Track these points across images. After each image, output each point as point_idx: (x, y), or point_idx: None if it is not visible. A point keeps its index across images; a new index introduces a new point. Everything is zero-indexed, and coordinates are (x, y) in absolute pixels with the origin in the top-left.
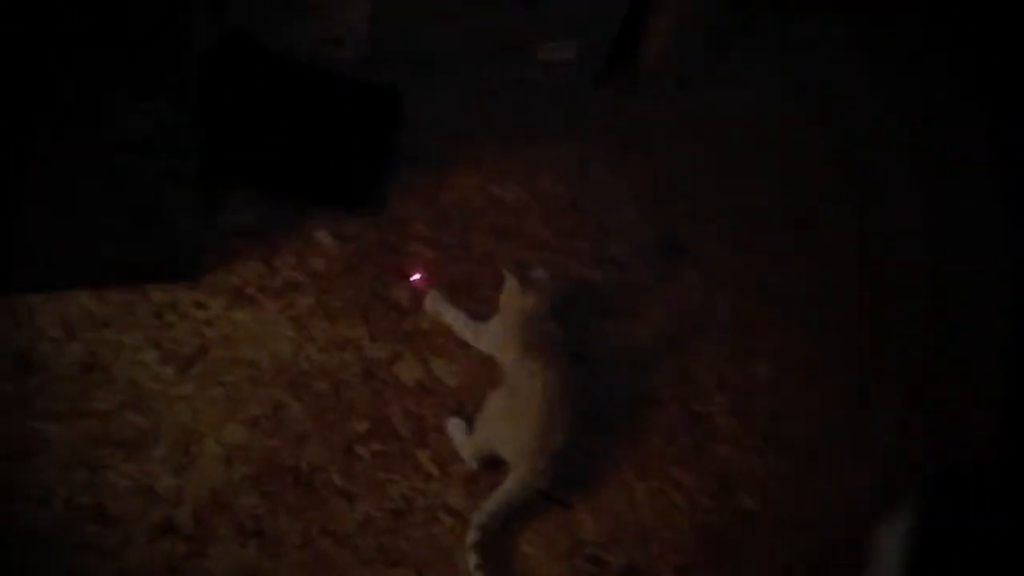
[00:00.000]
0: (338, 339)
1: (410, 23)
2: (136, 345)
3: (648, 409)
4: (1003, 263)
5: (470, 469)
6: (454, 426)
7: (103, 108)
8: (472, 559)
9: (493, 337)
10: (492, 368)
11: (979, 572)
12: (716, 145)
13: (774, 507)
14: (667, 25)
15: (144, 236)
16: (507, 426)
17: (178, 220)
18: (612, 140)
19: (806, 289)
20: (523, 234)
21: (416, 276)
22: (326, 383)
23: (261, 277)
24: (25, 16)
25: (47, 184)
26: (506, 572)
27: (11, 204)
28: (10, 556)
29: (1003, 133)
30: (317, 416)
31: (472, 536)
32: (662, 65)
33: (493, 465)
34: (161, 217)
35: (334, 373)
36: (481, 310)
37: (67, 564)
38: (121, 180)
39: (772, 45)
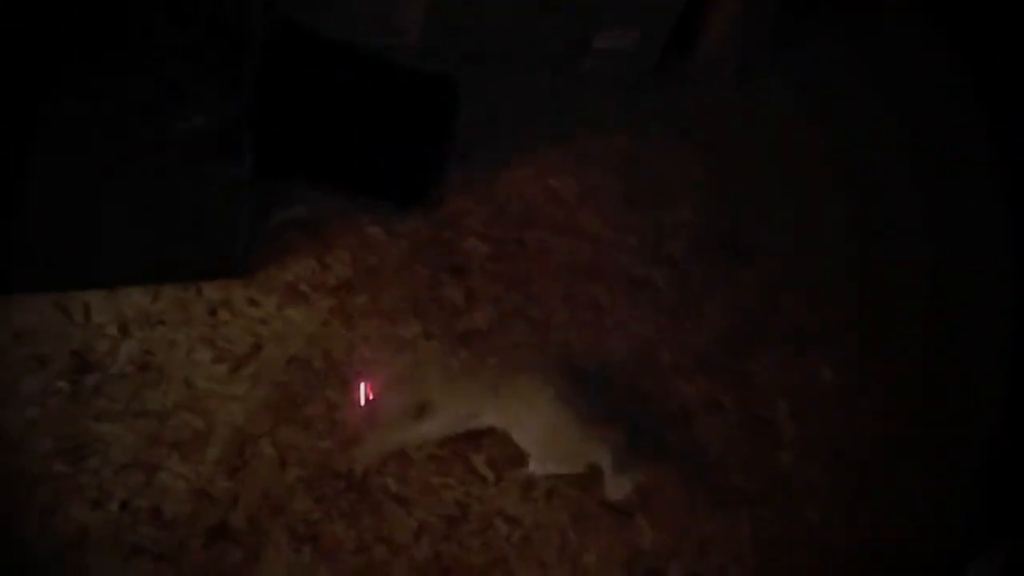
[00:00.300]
0: (392, 338)
1: (465, 11)
2: (190, 343)
3: (707, 415)
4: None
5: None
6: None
7: (159, 105)
8: None
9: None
10: None
11: None
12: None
13: (838, 520)
14: (728, 11)
15: (199, 233)
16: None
17: (233, 217)
18: (669, 132)
19: (871, 296)
20: (578, 229)
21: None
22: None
23: (314, 274)
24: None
25: (100, 181)
26: None
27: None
28: (66, 558)
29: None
30: (370, 417)
31: None
32: (722, 53)
33: None
34: (216, 214)
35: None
36: (532, 307)
37: (122, 567)
38: (177, 177)
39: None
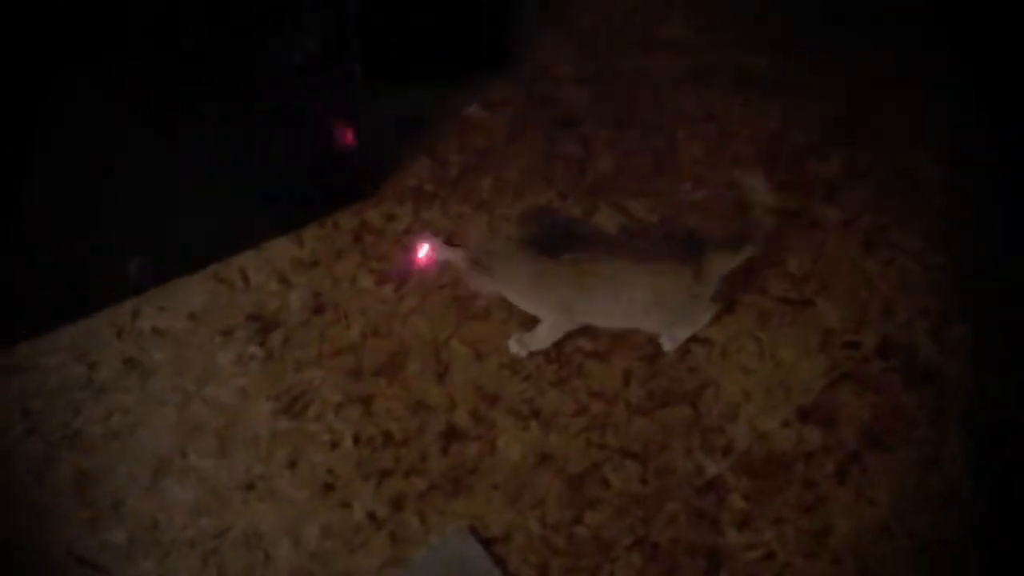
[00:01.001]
0: (530, 209)
1: None
2: (350, 275)
3: (852, 184)
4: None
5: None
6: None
7: (271, 38)
8: None
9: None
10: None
11: None
12: None
13: (1010, 241)
14: None
15: (326, 160)
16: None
17: (352, 141)
18: None
19: None
20: (669, 40)
21: (422, 252)
22: None
23: (434, 171)
24: None
25: (232, 132)
26: None
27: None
28: (325, 499)
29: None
30: None
31: None
32: None
33: None
34: (336, 137)
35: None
36: (652, 137)
37: (378, 493)
38: (299, 104)
39: None
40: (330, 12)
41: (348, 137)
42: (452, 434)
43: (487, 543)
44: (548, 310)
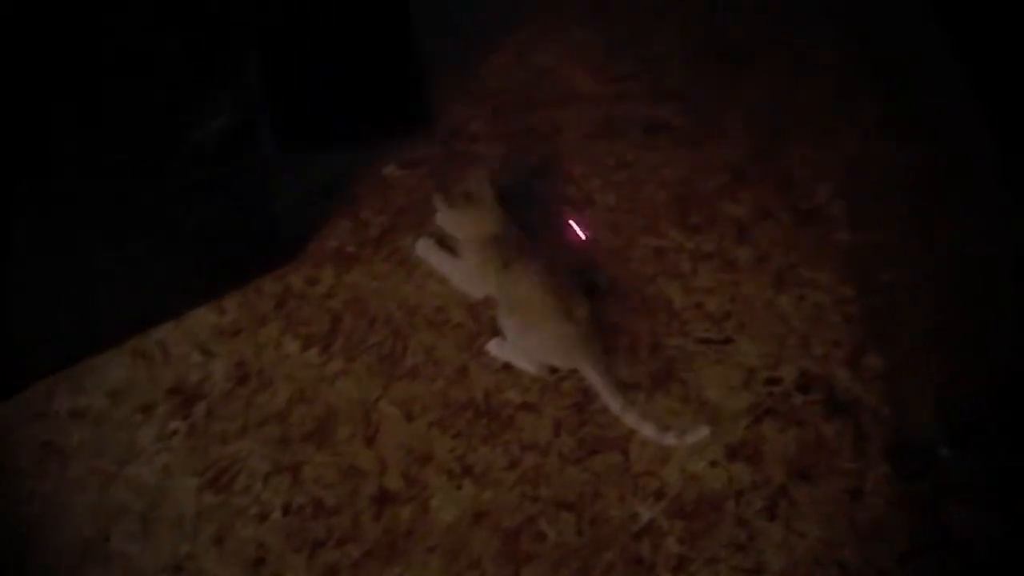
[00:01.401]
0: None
1: None
2: (274, 340)
3: (760, 224)
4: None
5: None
6: (498, 346)
7: (178, 121)
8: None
9: (469, 272)
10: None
11: None
12: None
13: (912, 271)
14: None
15: (242, 230)
16: (533, 337)
17: (271, 203)
18: None
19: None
20: (578, 94)
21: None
22: (461, 312)
23: (355, 232)
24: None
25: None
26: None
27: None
28: (257, 570)
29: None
30: (467, 345)
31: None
32: None
33: None
34: (254, 205)
35: (463, 299)
36: (567, 187)
37: (311, 564)
38: (212, 181)
39: None
40: (235, 89)
41: (265, 205)
42: (384, 498)
43: None
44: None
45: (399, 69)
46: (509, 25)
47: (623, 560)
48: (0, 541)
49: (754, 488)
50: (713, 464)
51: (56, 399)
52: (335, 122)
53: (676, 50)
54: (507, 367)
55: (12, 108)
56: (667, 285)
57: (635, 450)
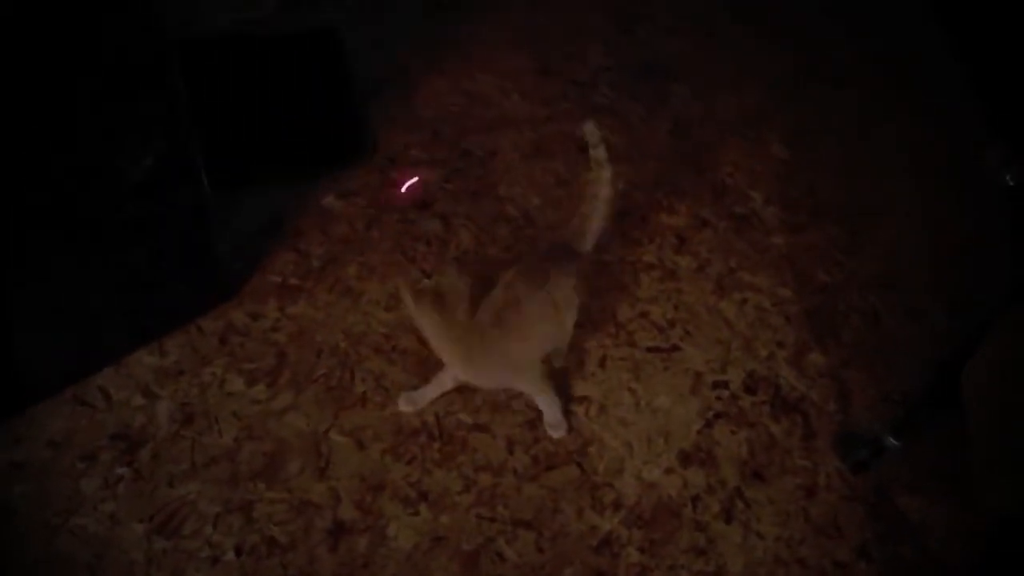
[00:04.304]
0: (397, 291)
1: None
2: (218, 379)
3: (698, 233)
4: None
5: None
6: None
7: (105, 166)
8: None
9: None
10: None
11: None
12: None
13: (848, 269)
14: None
15: (180, 270)
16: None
17: (209, 239)
18: None
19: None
20: (511, 119)
21: (409, 182)
22: (408, 337)
23: (297, 264)
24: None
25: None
26: None
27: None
28: None
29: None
30: (417, 370)
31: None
32: None
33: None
34: (191, 242)
35: (410, 324)
36: (507, 207)
37: None
38: (146, 220)
39: None
40: (165, 126)
41: (204, 243)
42: (340, 530)
43: None
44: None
45: (335, 100)
46: (442, 53)
47: (585, 574)
48: None
49: (710, 492)
50: (668, 471)
51: None
52: (271, 156)
53: (603, 69)
54: (459, 389)
55: None
56: (611, 298)
57: (591, 463)
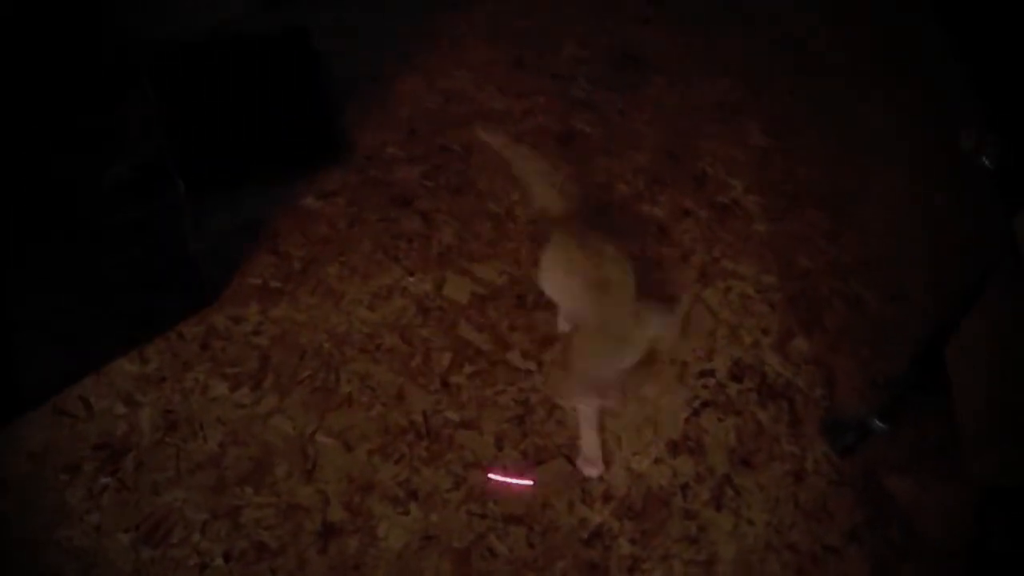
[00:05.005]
0: (380, 290)
1: None
2: (202, 384)
3: (680, 223)
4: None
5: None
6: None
7: (79, 173)
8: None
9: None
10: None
11: None
12: None
13: (830, 254)
14: None
15: (158, 277)
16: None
17: (186, 244)
18: None
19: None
20: (489, 112)
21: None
22: (393, 336)
23: (278, 267)
24: None
25: (60, 270)
26: None
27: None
28: None
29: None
30: (401, 369)
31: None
32: None
33: None
34: (168, 248)
35: (394, 322)
36: (488, 203)
37: None
38: (123, 228)
39: None
40: (139, 135)
41: (182, 247)
42: (329, 532)
43: None
44: None
45: (309, 101)
46: (416, 50)
47: (577, 567)
48: None
49: (699, 480)
50: (657, 461)
51: None
52: (245, 158)
53: (580, 61)
54: (445, 385)
55: None
56: None
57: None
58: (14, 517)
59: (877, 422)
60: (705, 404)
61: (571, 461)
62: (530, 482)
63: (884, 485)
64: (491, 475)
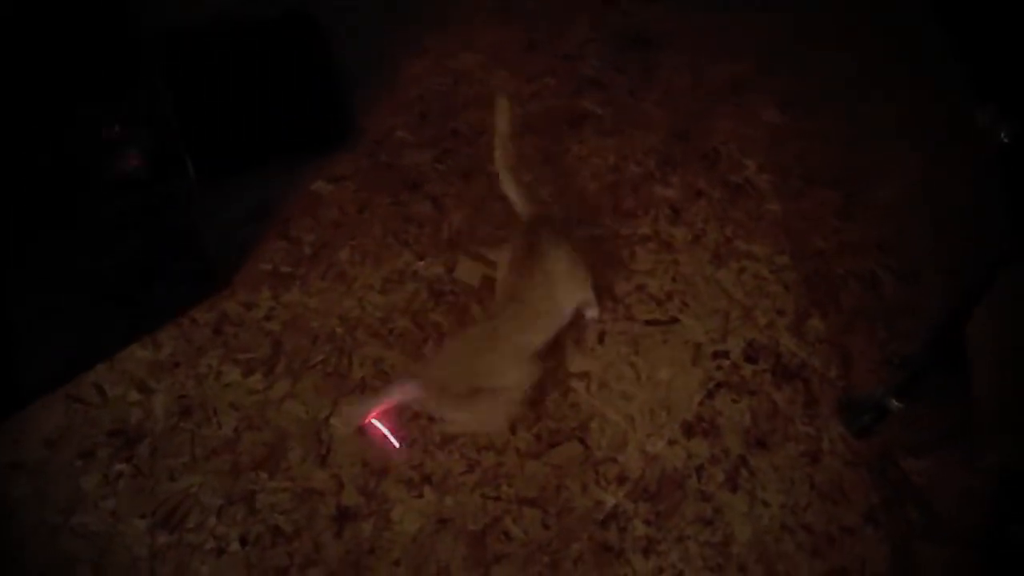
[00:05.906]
0: (392, 275)
1: None
2: (215, 370)
3: (693, 203)
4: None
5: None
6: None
7: (90, 161)
8: None
9: None
10: None
11: None
12: None
13: (844, 234)
14: None
15: (170, 263)
16: None
17: (198, 233)
18: None
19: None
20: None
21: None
22: (405, 320)
23: (288, 251)
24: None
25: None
26: None
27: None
28: None
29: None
30: (414, 353)
31: None
32: None
33: None
34: (180, 235)
35: (407, 307)
36: (495, 185)
37: None
38: (137, 214)
39: None
40: (149, 121)
41: (193, 234)
42: (344, 516)
43: None
44: None
45: (317, 85)
46: (424, 32)
47: (592, 549)
48: None
49: (714, 462)
50: (671, 443)
51: None
52: (254, 143)
53: (590, 41)
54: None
55: None
56: (608, 272)
57: (594, 438)
58: (30, 503)
59: (893, 402)
60: (719, 385)
61: (584, 443)
62: (397, 445)
63: (900, 466)
64: (373, 421)
